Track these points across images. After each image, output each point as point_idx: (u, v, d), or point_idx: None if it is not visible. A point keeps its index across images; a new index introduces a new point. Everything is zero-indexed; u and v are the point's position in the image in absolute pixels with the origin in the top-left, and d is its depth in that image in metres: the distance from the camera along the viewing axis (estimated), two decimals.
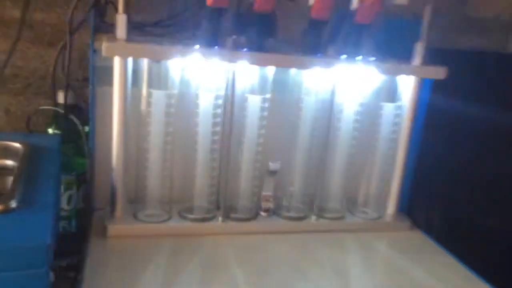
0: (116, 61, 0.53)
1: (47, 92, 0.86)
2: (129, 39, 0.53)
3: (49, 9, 0.80)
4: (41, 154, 0.59)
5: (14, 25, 0.79)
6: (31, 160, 0.56)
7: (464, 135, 0.70)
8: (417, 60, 0.63)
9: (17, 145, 0.59)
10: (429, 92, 0.68)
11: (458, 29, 0.92)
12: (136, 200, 0.61)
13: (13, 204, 0.45)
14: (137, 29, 0.61)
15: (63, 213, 0.71)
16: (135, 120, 0.58)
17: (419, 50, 0.63)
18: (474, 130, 0.69)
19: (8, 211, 0.45)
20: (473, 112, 0.68)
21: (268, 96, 0.60)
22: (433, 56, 0.63)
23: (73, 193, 0.73)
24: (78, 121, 0.67)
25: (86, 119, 0.75)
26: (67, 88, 0.68)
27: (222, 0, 0.53)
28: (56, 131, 0.80)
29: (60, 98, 0.80)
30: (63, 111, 0.76)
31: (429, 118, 0.70)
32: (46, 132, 0.82)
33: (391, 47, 0.65)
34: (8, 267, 0.40)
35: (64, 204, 0.72)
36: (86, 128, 0.78)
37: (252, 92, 0.59)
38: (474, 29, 0.94)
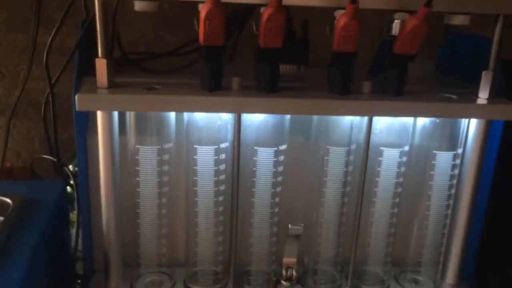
0: (99, 114, 0.45)
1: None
2: (113, 82, 0.45)
3: None
4: (38, 208, 0.53)
5: None
6: (25, 217, 0.50)
7: None
8: (482, 96, 0.48)
9: (7, 200, 0.54)
10: (502, 129, 0.53)
11: None
12: (137, 263, 0.53)
13: None
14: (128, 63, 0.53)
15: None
16: (126, 172, 0.50)
17: (486, 81, 0.48)
18: None
19: None
20: None
21: (283, 147, 0.48)
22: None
23: None
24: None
25: None
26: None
27: (216, 37, 0.42)
28: None
29: None
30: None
31: (503, 161, 0.55)
32: None
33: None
34: None
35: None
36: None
37: (264, 143, 0.48)
38: None
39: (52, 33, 0.54)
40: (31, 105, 0.84)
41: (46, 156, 0.66)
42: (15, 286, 0.41)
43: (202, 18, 0.40)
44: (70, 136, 0.78)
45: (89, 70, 0.47)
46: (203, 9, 0.40)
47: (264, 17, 0.41)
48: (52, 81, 0.58)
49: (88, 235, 0.54)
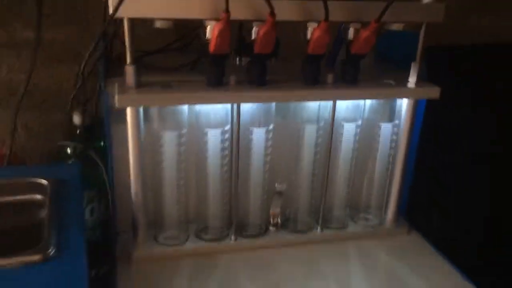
0: (128, 109, 0.58)
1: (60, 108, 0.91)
2: (138, 82, 0.57)
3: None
4: (68, 188, 0.64)
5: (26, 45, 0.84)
6: (58, 195, 0.62)
7: (459, 142, 0.74)
8: (411, 81, 0.66)
9: (43, 181, 0.65)
10: (425, 104, 0.72)
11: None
12: (156, 223, 0.67)
13: (51, 252, 0.51)
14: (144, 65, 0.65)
15: (87, 224, 0.78)
16: (150, 152, 0.63)
17: (414, 70, 0.66)
18: (469, 136, 0.73)
19: (47, 260, 0.50)
20: (468, 117, 0.72)
21: (271, 127, 0.64)
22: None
23: (95, 206, 0.79)
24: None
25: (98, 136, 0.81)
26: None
27: (222, 47, 0.56)
28: (73, 150, 0.85)
29: (76, 119, 0.86)
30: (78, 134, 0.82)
31: (426, 128, 0.74)
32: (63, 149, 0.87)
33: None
34: None
35: (87, 216, 0.78)
36: (102, 143, 0.84)
37: (257, 123, 0.63)
38: None
39: None
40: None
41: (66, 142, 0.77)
42: (82, 248, 0.53)
43: (215, 35, 0.54)
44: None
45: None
46: (215, 28, 0.53)
47: (261, 32, 0.55)
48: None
49: (114, 206, 0.67)
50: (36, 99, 0.92)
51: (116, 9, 0.53)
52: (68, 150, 0.86)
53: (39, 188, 0.64)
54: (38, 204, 0.63)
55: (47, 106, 0.92)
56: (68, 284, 0.48)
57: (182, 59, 0.68)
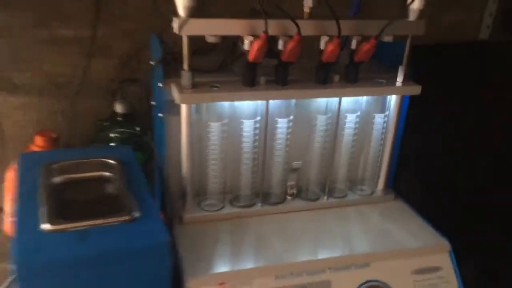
0: (184, 106, 0.75)
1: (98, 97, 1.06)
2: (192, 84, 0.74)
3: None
4: (128, 166, 0.81)
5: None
6: (125, 172, 0.78)
7: (436, 127, 0.93)
8: (399, 81, 0.84)
9: (111, 161, 0.81)
10: (409, 98, 0.90)
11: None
12: (199, 193, 0.84)
13: (135, 214, 0.68)
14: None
15: None
16: (198, 138, 0.80)
17: (401, 72, 0.84)
18: (444, 120, 0.92)
19: (133, 220, 0.67)
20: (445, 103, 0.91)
21: (291, 118, 0.82)
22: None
23: None
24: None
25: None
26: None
27: (258, 58, 0.73)
28: (116, 135, 1.01)
29: (118, 108, 1.02)
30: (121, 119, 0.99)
31: (410, 117, 0.92)
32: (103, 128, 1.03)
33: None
34: (140, 264, 0.63)
35: None
36: (138, 129, 1.00)
37: (280, 114, 0.81)
38: None
39: None
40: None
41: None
42: (157, 211, 0.69)
43: (254, 49, 0.70)
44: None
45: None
46: (256, 44, 0.70)
47: (289, 46, 0.72)
48: None
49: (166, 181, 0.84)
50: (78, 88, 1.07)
51: (179, 30, 0.69)
52: (111, 134, 1.03)
53: (108, 166, 0.80)
54: (108, 179, 0.79)
55: (86, 95, 1.08)
56: (152, 236, 0.65)
57: (206, 60, 0.84)
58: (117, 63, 1.06)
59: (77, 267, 0.61)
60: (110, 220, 0.66)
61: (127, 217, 0.67)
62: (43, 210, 0.66)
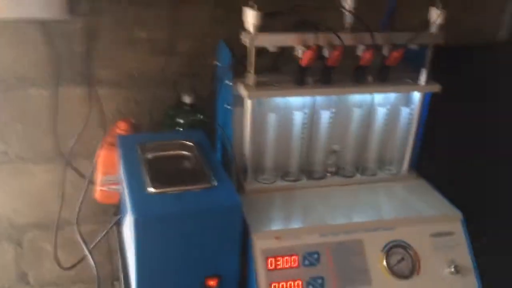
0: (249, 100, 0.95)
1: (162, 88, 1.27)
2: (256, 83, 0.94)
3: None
4: (202, 146, 1.02)
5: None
6: (200, 151, 0.99)
7: (454, 117, 1.11)
8: (422, 80, 1.02)
9: (188, 142, 1.02)
10: (430, 94, 1.08)
11: None
12: (257, 170, 1.05)
13: (214, 183, 0.89)
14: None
15: None
16: (258, 125, 1.00)
17: (423, 73, 1.02)
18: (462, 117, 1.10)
19: (212, 187, 0.88)
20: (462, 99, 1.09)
21: (333, 110, 1.01)
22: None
23: None
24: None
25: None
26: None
27: (310, 63, 0.92)
28: (183, 121, 1.22)
29: (186, 99, 1.22)
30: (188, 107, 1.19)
31: (431, 110, 1.10)
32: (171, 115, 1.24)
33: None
34: (219, 220, 0.84)
35: None
36: (201, 116, 1.21)
37: (324, 107, 1.01)
38: None
39: None
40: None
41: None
42: (229, 181, 0.90)
43: (307, 57, 0.90)
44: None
45: None
46: (308, 53, 0.90)
47: (334, 55, 0.91)
48: None
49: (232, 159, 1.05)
50: (146, 81, 1.27)
51: (250, 43, 0.89)
52: (180, 120, 1.24)
53: (187, 147, 1.01)
54: (187, 157, 1.01)
55: (152, 86, 1.29)
56: (229, 199, 0.86)
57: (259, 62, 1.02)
58: (181, 60, 1.28)
59: (175, 220, 0.83)
60: (196, 186, 0.88)
61: (208, 185, 0.88)
62: (147, 177, 0.88)
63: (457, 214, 0.98)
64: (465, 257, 0.94)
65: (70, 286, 1.50)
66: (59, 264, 1.21)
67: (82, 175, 1.29)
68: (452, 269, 0.91)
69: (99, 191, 1.23)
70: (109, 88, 1.28)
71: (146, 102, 1.34)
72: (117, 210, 1.22)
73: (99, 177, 1.22)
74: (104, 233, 1.18)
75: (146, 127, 1.28)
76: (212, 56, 1.29)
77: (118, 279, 1.43)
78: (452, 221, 0.97)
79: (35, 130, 1.27)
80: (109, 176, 1.21)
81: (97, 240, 1.18)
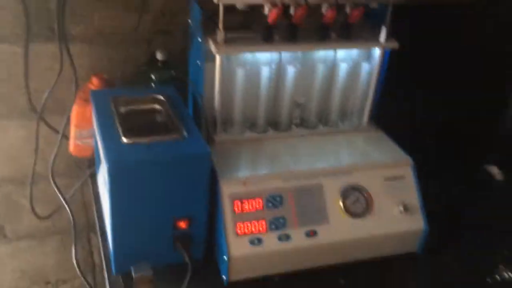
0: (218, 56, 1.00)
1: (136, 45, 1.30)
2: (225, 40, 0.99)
3: None
4: (173, 101, 1.07)
5: None
6: (172, 105, 1.04)
7: (410, 71, 1.19)
8: (382, 37, 1.08)
9: (160, 97, 1.07)
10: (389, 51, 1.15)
11: None
12: (226, 122, 1.11)
13: (185, 134, 0.94)
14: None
15: None
16: (227, 79, 1.05)
17: (383, 31, 1.08)
18: (418, 71, 1.18)
19: (183, 138, 0.94)
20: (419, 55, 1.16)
21: (298, 65, 1.07)
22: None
23: None
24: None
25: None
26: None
27: (276, 21, 0.97)
28: (155, 76, 1.26)
29: (159, 56, 1.26)
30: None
31: (390, 65, 1.17)
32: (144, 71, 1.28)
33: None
34: (189, 167, 0.91)
35: None
36: (174, 72, 1.25)
37: (289, 62, 1.07)
38: None
39: None
40: None
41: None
42: (199, 133, 0.96)
43: (273, 15, 0.95)
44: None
45: None
46: (274, 11, 0.94)
47: (298, 14, 0.96)
48: None
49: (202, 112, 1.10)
50: (119, 38, 1.30)
51: (219, 1, 0.93)
52: (153, 76, 1.28)
53: (159, 101, 1.06)
54: (159, 111, 1.06)
55: (125, 43, 1.32)
56: (198, 148, 0.92)
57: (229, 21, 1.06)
58: (153, 18, 1.30)
59: (147, 167, 0.88)
60: (167, 137, 0.94)
61: (179, 136, 0.94)
62: (120, 129, 0.93)
63: (408, 160, 1.07)
64: (413, 198, 1.03)
65: (46, 237, 1.56)
66: (36, 214, 1.26)
67: (55, 130, 1.33)
68: (401, 208, 1.00)
69: (73, 145, 1.28)
70: (81, 45, 1.30)
71: (119, 59, 1.37)
72: (91, 163, 1.27)
73: (73, 131, 1.26)
74: (80, 183, 1.24)
75: (119, 83, 1.31)
76: (184, 14, 1.33)
77: (94, 231, 1.50)
78: (403, 166, 1.06)
79: (8, 86, 1.29)
80: (82, 130, 1.26)
81: (73, 190, 1.23)
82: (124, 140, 0.91)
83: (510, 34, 1.47)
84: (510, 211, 1.23)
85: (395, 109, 1.28)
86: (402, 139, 1.14)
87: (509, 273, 1.00)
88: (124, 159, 0.87)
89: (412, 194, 1.03)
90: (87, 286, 0.97)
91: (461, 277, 1.02)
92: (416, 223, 1.03)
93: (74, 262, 0.98)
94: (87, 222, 1.49)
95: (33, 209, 1.25)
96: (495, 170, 1.35)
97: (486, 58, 1.44)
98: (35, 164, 1.24)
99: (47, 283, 1.64)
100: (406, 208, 1.01)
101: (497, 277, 1.01)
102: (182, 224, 0.95)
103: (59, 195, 1.11)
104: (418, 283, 0.99)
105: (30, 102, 1.27)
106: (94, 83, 1.26)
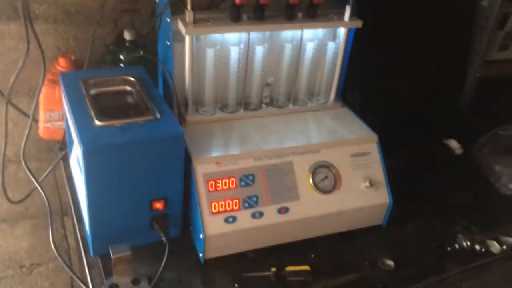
0: (187, 36, 1.01)
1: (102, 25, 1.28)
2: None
3: None
4: (144, 81, 1.07)
5: None
6: (143, 86, 1.05)
7: (374, 50, 1.23)
8: (346, 16, 1.11)
9: (131, 78, 1.07)
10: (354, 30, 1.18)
11: None
12: (198, 102, 1.13)
13: (158, 115, 0.96)
14: None
15: None
16: (197, 59, 1.06)
17: (347, 10, 1.11)
18: (382, 48, 1.21)
19: (156, 119, 0.95)
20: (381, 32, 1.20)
21: (266, 45, 1.09)
22: None
23: None
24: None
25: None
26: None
27: (244, 1, 0.98)
28: (123, 56, 1.25)
29: (127, 35, 1.25)
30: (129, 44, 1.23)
31: (354, 43, 1.20)
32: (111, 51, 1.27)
33: None
34: (163, 149, 0.92)
35: None
36: (142, 52, 1.25)
37: (258, 42, 1.08)
38: None
39: None
40: None
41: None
42: (171, 114, 0.97)
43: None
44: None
45: None
46: None
47: None
48: None
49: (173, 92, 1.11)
50: (84, 17, 1.28)
51: None
52: (121, 56, 1.27)
53: (129, 82, 1.06)
54: (130, 92, 1.06)
55: (92, 23, 1.30)
56: (172, 129, 0.93)
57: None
58: None
59: (122, 149, 0.90)
60: (140, 119, 0.95)
61: (152, 117, 0.95)
62: (92, 112, 0.94)
63: (373, 137, 1.11)
64: (379, 173, 1.09)
65: (18, 221, 1.55)
66: (8, 198, 1.25)
67: (25, 114, 1.31)
68: (368, 184, 1.05)
69: (43, 128, 1.27)
70: (45, 25, 1.27)
71: (86, 39, 1.35)
72: (63, 146, 1.26)
73: (42, 114, 1.25)
74: (52, 166, 1.23)
75: (86, 64, 1.30)
76: None
77: (67, 214, 1.49)
78: (369, 142, 1.11)
79: None
80: (52, 112, 1.25)
81: (46, 173, 1.22)
82: (98, 123, 0.91)
83: (470, 14, 1.53)
84: (468, 184, 1.31)
85: (360, 86, 1.32)
86: (366, 115, 1.19)
87: (467, 242, 1.07)
88: (99, 142, 0.88)
89: (377, 169, 1.09)
90: (65, 268, 0.98)
91: (423, 247, 1.09)
92: (382, 197, 1.08)
93: (52, 245, 0.99)
94: (60, 205, 1.48)
95: (5, 193, 1.24)
96: (454, 145, 1.42)
97: (446, 40, 1.51)
98: (5, 149, 1.22)
99: (22, 267, 1.64)
100: (372, 183, 1.06)
101: (456, 246, 1.08)
102: (159, 205, 0.97)
103: (32, 178, 1.11)
104: (382, 254, 1.05)
105: None
106: (62, 64, 1.24)
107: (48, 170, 1.23)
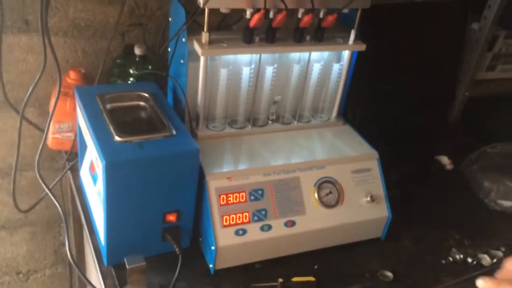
0: (202, 57, 1.05)
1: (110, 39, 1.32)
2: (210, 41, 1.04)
3: None
4: (157, 97, 1.11)
5: None
6: (157, 102, 1.09)
7: (375, 72, 1.29)
8: (351, 40, 1.17)
9: (145, 93, 1.11)
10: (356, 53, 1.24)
11: None
12: (208, 118, 1.17)
13: (173, 132, 1.00)
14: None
15: None
16: (210, 78, 1.11)
17: (352, 34, 1.17)
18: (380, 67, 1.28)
19: (172, 135, 0.99)
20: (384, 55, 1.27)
21: (275, 66, 1.14)
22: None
23: None
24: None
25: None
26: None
27: (257, 24, 1.04)
28: (135, 71, 1.29)
29: (137, 51, 1.29)
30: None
31: (357, 65, 1.27)
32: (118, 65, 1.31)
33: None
34: (179, 164, 0.96)
35: None
36: (150, 67, 1.29)
37: (268, 63, 1.14)
38: None
39: None
40: None
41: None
42: (186, 130, 1.02)
43: (255, 19, 1.01)
44: None
45: None
46: (256, 16, 1.01)
47: (278, 17, 1.03)
48: None
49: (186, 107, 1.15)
50: (94, 31, 1.32)
51: (204, 5, 0.98)
52: (131, 70, 1.31)
53: (143, 98, 1.10)
54: (144, 107, 1.10)
55: (100, 37, 1.33)
56: (188, 146, 0.98)
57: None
58: (128, 11, 1.33)
59: (141, 165, 0.94)
60: (157, 135, 0.99)
61: (168, 134, 1.00)
62: (111, 128, 0.97)
63: (374, 154, 1.18)
64: (379, 188, 1.15)
65: (17, 228, 1.56)
66: (17, 207, 1.27)
67: (31, 123, 1.33)
68: (369, 198, 1.12)
69: (51, 139, 1.30)
70: (56, 37, 1.30)
71: (93, 51, 1.38)
72: (71, 157, 1.29)
73: (51, 125, 1.27)
74: (61, 175, 1.26)
75: (98, 77, 1.33)
76: (159, 7, 1.36)
77: (68, 223, 1.52)
78: (369, 159, 1.17)
79: None
80: (61, 124, 1.28)
81: (56, 181, 1.25)
82: (118, 138, 0.95)
83: (459, 29, 1.62)
84: (459, 199, 1.38)
85: (360, 105, 1.39)
86: (366, 132, 1.25)
87: (460, 255, 1.14)
88: (120, 158, 0.92)
89: (377, 185, 1.15)
90: (81, 276, 1.01)
91: (419, 260, 1.15)
92: (381, 211, 1.14)
93: (68, 253, 1.02)
94: (64, 213, 1.51)
95: (15, 202, 1.26)
96: (445, 160, 1.49)
97: (437, 54, 1.59)
98: (17, 161, 1.24)
99: (19, 273, 1.65)
100: (373, 199, 1.12)
101: (450, 258, 1.15)
102: (171, 217, 1.01)
103: (44, 186, 1.14)
104: (382, 265, 1.11)
105: (4, 94, 1.27)
106: (72, 76, 1.27)
107: (58, 179, 1.26)
